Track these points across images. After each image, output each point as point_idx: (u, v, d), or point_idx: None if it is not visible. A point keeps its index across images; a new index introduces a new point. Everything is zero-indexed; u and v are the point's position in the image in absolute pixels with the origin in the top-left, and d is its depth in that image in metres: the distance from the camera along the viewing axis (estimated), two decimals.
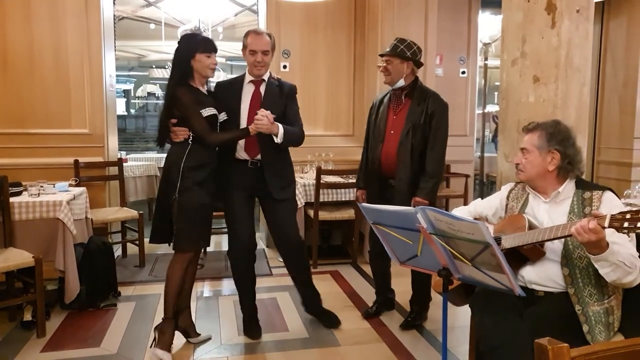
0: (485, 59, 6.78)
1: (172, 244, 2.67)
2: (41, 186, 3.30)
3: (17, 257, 2.89)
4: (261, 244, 4.87)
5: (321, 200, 4.22)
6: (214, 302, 3.47)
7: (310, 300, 3.10)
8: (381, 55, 2.96)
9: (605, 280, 1.70)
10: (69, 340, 2.85)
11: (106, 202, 4.57)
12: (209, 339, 2.87)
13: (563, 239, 1.77)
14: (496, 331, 1.75)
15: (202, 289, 3.72)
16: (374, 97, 3.29)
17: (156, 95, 9.94)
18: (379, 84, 4.36)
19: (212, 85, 2.87)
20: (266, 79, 2.82)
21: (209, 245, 2.90)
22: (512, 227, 1.89)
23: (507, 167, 2.44)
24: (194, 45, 2.61)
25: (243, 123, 2.75)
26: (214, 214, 2.82)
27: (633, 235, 1.73)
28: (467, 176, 5.28)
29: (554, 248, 1.83)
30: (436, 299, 2.98)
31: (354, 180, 4.18)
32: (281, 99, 2.81)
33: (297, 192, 3.50)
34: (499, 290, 1.63)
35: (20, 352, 2.71)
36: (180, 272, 2.69)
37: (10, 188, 3.14)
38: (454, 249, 1.63)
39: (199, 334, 2.85)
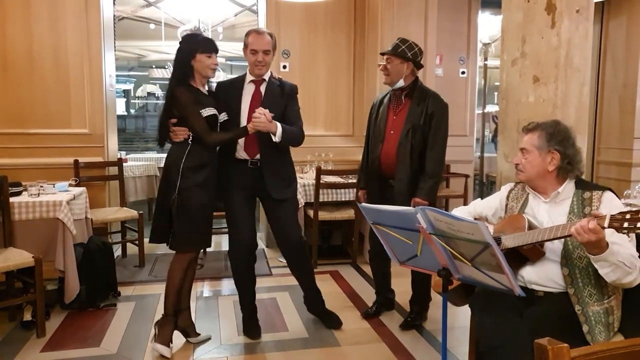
0: (485, 59, 6.78)
1: (169, 244, 2.67)
2: (41, 186, 3.30)
3: (17, 257, 2.89)
4: (261, 244, 4.86)
5: (321, 200, 4.22)
6: (214, 302, 3.47)
7: (312, 300, 3.10)
8: (382, 54, 2.96)
9: (605, 281, 1.70)
10: (68, 340, 2.85)
11: (106, 202, 4.57)
12: (209, 339, 2.87)
13: (563, 239, 1.77)
14: (496, 331, 1.75)
15: (202, 289, 3.72)
16: (373, 97, 3.29)
17: (156, 95, 9.94)
18: (379, 84, 4.36)
19: (214, 85, 2.87)
20: (267, 79, 2.82)
21: (209, 246, 2.89)
22: (511, 227, 1.89)
23: (507, 167, 2.44)
24: (195, 46, 2.61)
25: (243, 123, 2.75)
26: (215, 214, 2.82)
27: (633, 235, 1.73)
28: (466, 176, 5.28)
29: (554, 248, 1.83)
30: (436, 299, 2.98)
31: (354, 181, 4.20)
32: (282, 99, 2.81)
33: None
34: (499, 291, 1.63)
35: (20, 352, 2.71)
36: (181, 271, 2.70)
37: (10, 188, 3.14)
38: (453, 249, 1.63)
39: (199, 334, 2.85)
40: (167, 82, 2.74)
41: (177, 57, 2.66)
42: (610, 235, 1.60)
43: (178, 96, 2.59)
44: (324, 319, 3.08)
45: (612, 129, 5.28)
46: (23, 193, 3.30)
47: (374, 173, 3.02)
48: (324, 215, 4.26)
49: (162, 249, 4.28)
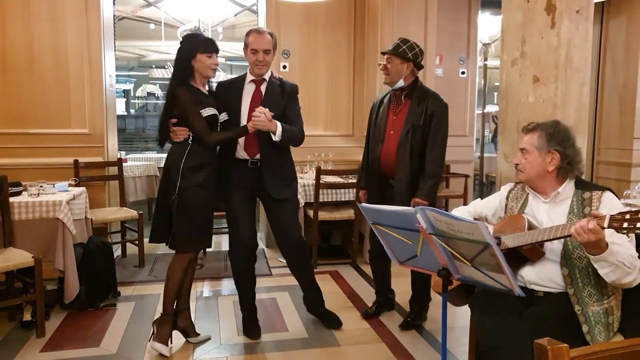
0: (485, 59, 6.78)
1: (168, 243, 2.67)
2: (41, 186, 3.30)
3: (17, 257, 2.89)
4: (261, 244, 4.86)
5: (321, 200, 4.22)
6: (214, 302, 3.47)
7: (312, 301, 3.10)
8: (383, 53, 2.96)
9: (605, 281, 1.70)
10: (68, 340, 2.85)
11: (106, 202, 4.57)
12: (209, 339, 2.87)
13: (562, 239, 1.77)
14: (496, 331, 1.75)
15: (202, 289, 3.72)
16: (373, 97, 3.29)
17: (156, 95, 9.93)
18: (379, 84, 4.36)
19: (214, 85, 2.87)
20: (267, 79, 2.82)
21: (210, 246, 2.88)
22: (511, 227, 1.89)
23: (507, 167, 2.44)
24: (195, 46, 2.61)
25: (243, 123, 2.74)
26: (215, 214, 2.82)
27: (632, 235, 1.73)
28: (466, 176, 5.28)
29: (554, 248, 1.83)
30: (436, 299, 2.98)
31: (354, 181, 4.20)
32: (282, 99, 2.81)
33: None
34: (499, 291, 1.63)
35: (19, 352, 2.71)
36: (180, 271, 2.70)
37: (10, 188, 3.14)
38: (453, 249, 1.63)
39: (199, 334, 2.85)
40: (167, 82, 2.74)
41: (177, 57, 2.66)
42: (610, 235, 1.60)
43: (178, 96, 2.60)
44: (324, 319, 3.08)
45: (611, 129, 5.28)
46: (23, 193, 3.30)
47: (374, 173, 3.02)
48: (323, 215, 4.26)
49: (162, 249, 4.28)
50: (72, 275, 3.15)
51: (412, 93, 2.91)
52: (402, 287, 3.24)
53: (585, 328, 1.74)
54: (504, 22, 2.50)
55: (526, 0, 2.33)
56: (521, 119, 2.32)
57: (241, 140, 2.77)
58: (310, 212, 4.23)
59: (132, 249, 4.42)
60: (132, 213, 4.26)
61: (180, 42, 2.68)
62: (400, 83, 2.90)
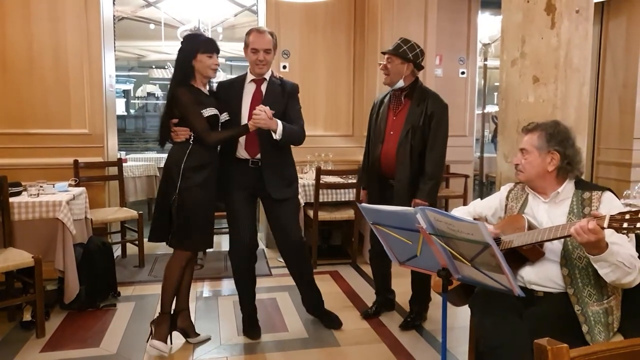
0: (485, 59, 6.78)
1: (169, 242, 2.67)
2: (41, 186, 3.30)
3: (17, 257, 2.89)
4: (261, 244, 4.86)
5: (321, 200, 4.22)
6: (214, 302, 3.47)
7: (311, 301, 3.09)
8: (383, 53, 2.95)
9: (605, 281, 1.70)
10: (68, 341, 2.85)
11: (106, 202, 4.57)
12: (209, 339, 2.87)
13: (562, 240, 1.77)
14: (496, 331, 1.75)
15: (202, 289, 3.72)
16: (373, 98, 3.29)
17: (156, 95, 9.94)
18: (379, 84, 4.36)
19: (215, 85, 2.87)
20: (268, 78, 2.82)
21: (211, 247, 2.86)
22: (511, 227, 1.89)
23: (507, 167, 2.44)
24: (196, 46, 2.62)
25: (244, 122, 2.73)
26: (215, 214, 2.82)
27: (632, 235, 1.73)
28: (466, 176, 5.29)
29: (554, 248, 1.83)
30: (436, 299, 2.98)
31: (354, 181, 4.20)
32: (283, 98, 2.81)
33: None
34: (499, 291, 1.63)
35: (19, 352, 2.71)
36: (179, 270, 2.70)
37: (9, 188, 3.14)
38: (453, 249, 1.63)
39: (199, 334, 2.85)
40: (166, 82, 2.75)
41: (178, 57, 2.67)
42: (609, 235, 1.60)
43: (179, 96, 2.60)
44: (324, 319, 3.08)
45: (611, 129, 5.28)
46: (23, 193, 3.30)
47: (374, 173, 3.02)
48: (323, 215, 4.26)
49: (162, 249, 4.29)
50: (72, 276, 3.15)
51: (412, 93, 2.90)
52: (402, 287, 3.24)
53: (585, 328, 1.74)
54: (503, 22, 2.50)
55: (526, 0, 2.33)
56: (521, 119, 2.32)
57: (242, 139, 2.77)
58: (310, 212, 4.23)
59: (132, 249, 4.42)
60: (132, 213, 4.26)
61: (181, 43, 2.69)
62: (400, 83, 2.89)
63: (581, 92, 2.36)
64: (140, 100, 10.26)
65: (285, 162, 2.89)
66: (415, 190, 2.83)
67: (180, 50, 2.66)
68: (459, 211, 2.15)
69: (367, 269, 3.90)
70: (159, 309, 2.78)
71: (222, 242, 4.92)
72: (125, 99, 9.96)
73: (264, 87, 2.81)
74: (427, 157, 2.84)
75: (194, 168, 2.61)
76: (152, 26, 6.94)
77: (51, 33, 4.33)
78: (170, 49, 7.02)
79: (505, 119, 2.50)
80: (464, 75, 5.49)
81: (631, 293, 1.80)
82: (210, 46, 2.63)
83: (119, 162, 4.52)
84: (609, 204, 1.79)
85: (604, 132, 5.38)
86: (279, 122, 2.66)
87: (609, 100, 5.31)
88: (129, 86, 10.11)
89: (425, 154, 2.84)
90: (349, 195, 4.36)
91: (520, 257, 1.86)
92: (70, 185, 3.65)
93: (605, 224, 1.53)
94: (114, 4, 4.72)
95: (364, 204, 1.88)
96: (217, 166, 2.73)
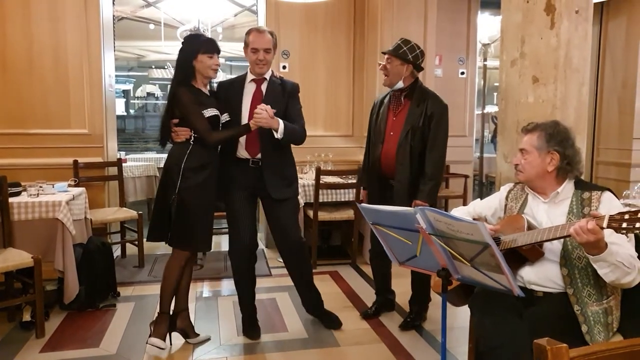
0: (485, 59, 6.78)
1: (168, 241, 2.67)
2: (40, 186, 3.30)
3: (16, 258, 2.88)
4: (261, 244, 4.86)
5: (320, 200, 4.22)
6: (213, 302, 3.47)
7: (311, 302, 3.09)
8: (383, 53, 2.95)
9: (604, 281, 1.70)
10: (68, 341, 2.85)
11: (105, 203, 4.57)
12: (208, 339, 2.87)
13: (562, 240, 1.77)
14: (495, 331, 1.75)
15: (202, 289, 3.72)
16: (373, 98, 3.29)
17: (155, 95, 9.93)
18: (379, 85, 4.36)
19: (215, 86, 2.87)
20: (268, 78, 2.82)
21: (209, 250, 2.85)
22: (511, 227, 1.90)
23: (506, 167, 2.44)
24: (197, 46, 2.62)
25: (244, 122, 2.73)
26: (215, 214, 2.81)
27: (632, 235, 1.73)
28: (466, 177, 5.29)
29: (553, 248, 1.83)
30: (435, 299, 2.98)
31: (354, 181, 4.20)
32: (283, 98, 2.80)
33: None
34: (498, 291, 1.63)
35: (19, 352, 2.70)
36: (178, 269, 2.70)
37: (9, 188, 3.14)
38: (453, 249, 1.63)
39: (198, 335, 2.85)
40: (166, 82, 2.76)
41: (179, 57, 2.67)
42: (609, 235, 1.60)
43: (180, 96, 2.60)
44: (324, 320, 3.08)
45: (611, 130, 5.28)
46: (22, 193, 3.30)
47: (375, 173, 3.02)
48: (323, 215, 4.26)
49: (162, 249, 4.29)
50: (72, 276, 3.15)
51: (412, 94, 2.90)
52: (402, 288, 3.24)
53: (584, 328, 1.74)
54: (503, 22, 2.51)
55: (526, 0, 2.33)
56: (521, 120, 2.32)
57: (242, 139, 2.76)
58: (310, 213, 4.23)
59: (131, 249, 4.42)
60: (132, 213, 4.26)
61: (182, 43, 2.68)
62: (400, 85, 2.89)
63: (581, 93, 2.36)
64: (139, 101, 10.26)
65: (285, 162, 2.88)
66: (415, 191, 2.83)
67: (180, 51, 2.66)
68: (458, 211, 2.15)
69: (367, 269, 3.90)
70: (158, 309, 2.77)
71: (222, 242, 4.93)
72: (125, 99, 9.96)
73: (264, 87, 2.81)
74: (427, 158, 2.83)
75: (194, 168, 2.61)
76: (151, 26, 6.95)
77: (51, 33, 4.33)
78: (169, 49, 7.03)
79: (504, 119, 2.50)
80: (464, 76, 5.49)
81: (630, 293, 1.80)
82: (210, 46, 2.63)
83: (119, 162, 4.52)
84: (608, 204, 1.80)
85: (603, 132, 5.38)
86: (280, 120, 2.66)
87: (608, 101, 5.31)
88: (129, 86, 10.11)
89: (425, 155, 2.84)
90: (349, 195, 4.36)
91: (519, 257, 1.86)
92: (69, 185, 3.65)
93: (605, 224, 1.53)
94: (113, 4, 4.72)
95: (363, 204, 1.88)
96: (217, 166, 2.73)
